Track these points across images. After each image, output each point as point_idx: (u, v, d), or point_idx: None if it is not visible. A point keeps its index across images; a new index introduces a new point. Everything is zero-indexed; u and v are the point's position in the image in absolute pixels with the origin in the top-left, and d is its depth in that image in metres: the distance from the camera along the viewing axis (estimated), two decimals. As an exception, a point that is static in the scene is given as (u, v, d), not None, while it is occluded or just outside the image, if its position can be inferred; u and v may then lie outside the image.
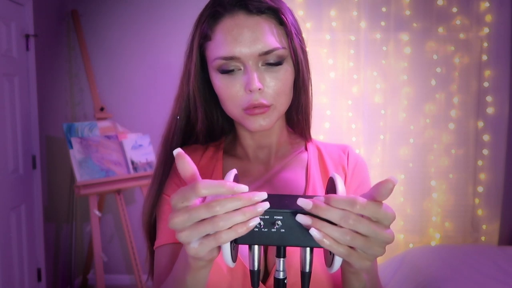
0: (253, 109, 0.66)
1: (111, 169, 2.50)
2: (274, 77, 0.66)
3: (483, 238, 2.84)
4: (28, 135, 2.47)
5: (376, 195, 0.46)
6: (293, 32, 0.67)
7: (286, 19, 0.67)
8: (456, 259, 2.34)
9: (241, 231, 0.44)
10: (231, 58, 0.64)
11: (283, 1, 0.70)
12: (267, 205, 0.45)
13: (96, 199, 2.50)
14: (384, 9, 2.75)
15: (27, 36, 2.44)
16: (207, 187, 0.45)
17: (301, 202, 0.46)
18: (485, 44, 2.76)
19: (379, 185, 0.46)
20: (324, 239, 0.45)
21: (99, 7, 2.96)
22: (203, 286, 0.55)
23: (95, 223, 2.43)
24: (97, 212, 2.44)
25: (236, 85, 0.66)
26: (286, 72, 0.67)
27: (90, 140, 2.51)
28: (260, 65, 0.65)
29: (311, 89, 0.75)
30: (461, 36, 2.77)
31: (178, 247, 0.69)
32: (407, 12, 2.76)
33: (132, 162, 2.59)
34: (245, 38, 0.64)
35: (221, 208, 0.44)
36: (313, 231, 0.45)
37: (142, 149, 2.66)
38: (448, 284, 2.05)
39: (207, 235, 0.46)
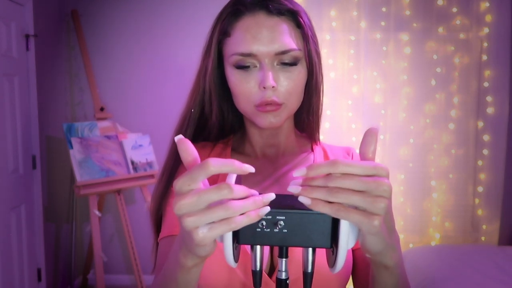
0: (265, 106, 0.68)
1: (111, 169, 2.50)
2: (287, 77, 0.68)
3: (483, 238, 2.84)
4: (28, 135, 2.47)
5: (364, 151, 0.47)
6: (309, 35, 0.71)
7: (304, 22, 0.70)
8: (456, 259, 2.34)
9: (254, 217, 0.44)
10: (248, 55, 0.67)
11: (300, 4, 0.73)
12: (273, 196, 0.45)
13: (96, 199, 2.50)
14: (384, 9, 2.75)
15: (27, 36, 2.44)
16: (217, 163, 0.43)
17: (291, 188, 0.46)
18: (485, 44, 2.75)
19: (363, 140, 0.47)
20: (312, 202, 0.44)
21: (99, 7, 2.96)
22: (195, 284, 0.55)
23: (95, 223, 2.43)
24: (97, 212, 2.44)
25: (250, 82, 0.68)
26: (299, 73, 0.70)
27: (90, 140, 2.51)
28: (275, 64, 0.68)
29: (323, 92, 0.77)
30: (461, 36, 2.77)
31: None
32: (407, 12, 2.76)
33: (132, 162, 2.59)
34: (264, 37, 0.66)
35: (230, 193, 0.43)
36: (302, 198, 0.45)
37: (142, 149, 2.66)
38: (448, 284, 2.05)
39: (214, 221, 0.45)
